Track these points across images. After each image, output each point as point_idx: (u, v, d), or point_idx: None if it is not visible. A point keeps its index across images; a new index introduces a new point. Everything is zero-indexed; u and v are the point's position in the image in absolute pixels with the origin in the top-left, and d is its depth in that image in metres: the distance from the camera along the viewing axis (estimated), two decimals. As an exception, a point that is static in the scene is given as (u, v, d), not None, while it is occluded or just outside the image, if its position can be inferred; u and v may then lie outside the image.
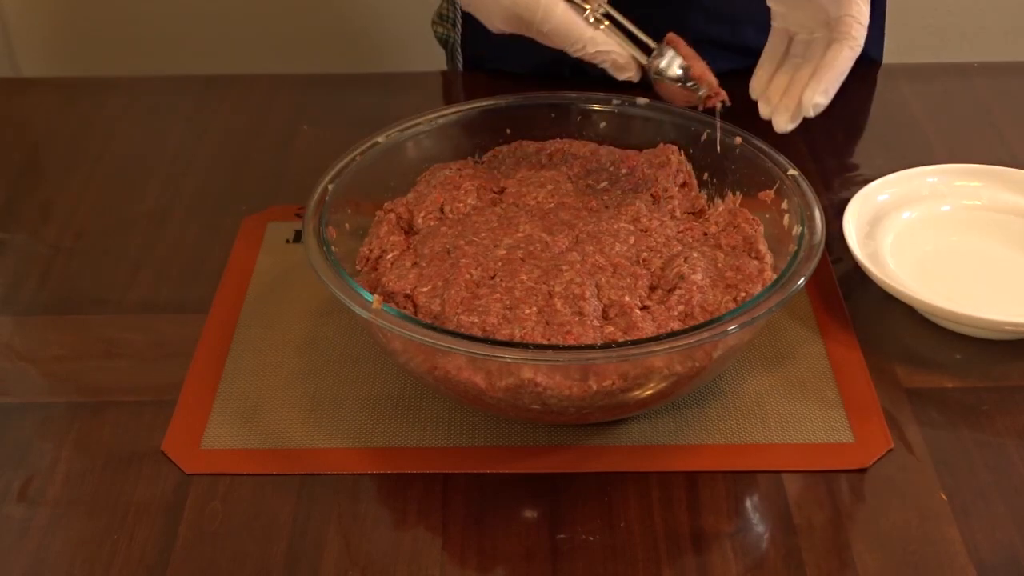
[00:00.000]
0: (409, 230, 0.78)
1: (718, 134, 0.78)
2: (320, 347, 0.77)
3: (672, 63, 0.74)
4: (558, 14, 0.73)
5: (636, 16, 0.76)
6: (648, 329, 0.67)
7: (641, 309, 0.69)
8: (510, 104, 0.83)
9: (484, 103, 0.83)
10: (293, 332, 0.78)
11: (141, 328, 0.80)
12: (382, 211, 0.79)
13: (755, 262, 0.73)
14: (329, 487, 0.68)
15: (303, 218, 0.72)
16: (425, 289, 0.70)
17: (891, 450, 0.69)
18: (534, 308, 0.68)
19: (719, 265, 0.72)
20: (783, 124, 0.78)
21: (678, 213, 0.79)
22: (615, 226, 0.75)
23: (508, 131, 0.84)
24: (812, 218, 0.72)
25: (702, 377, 0.68)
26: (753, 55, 0.82)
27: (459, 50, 1.11)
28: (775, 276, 0.70)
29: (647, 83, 0.76)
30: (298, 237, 0.87)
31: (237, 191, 0.93)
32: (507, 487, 0.68)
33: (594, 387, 0.64)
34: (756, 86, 0.81)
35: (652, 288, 0.71)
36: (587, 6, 0.73)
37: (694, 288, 0.70)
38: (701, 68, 0.75)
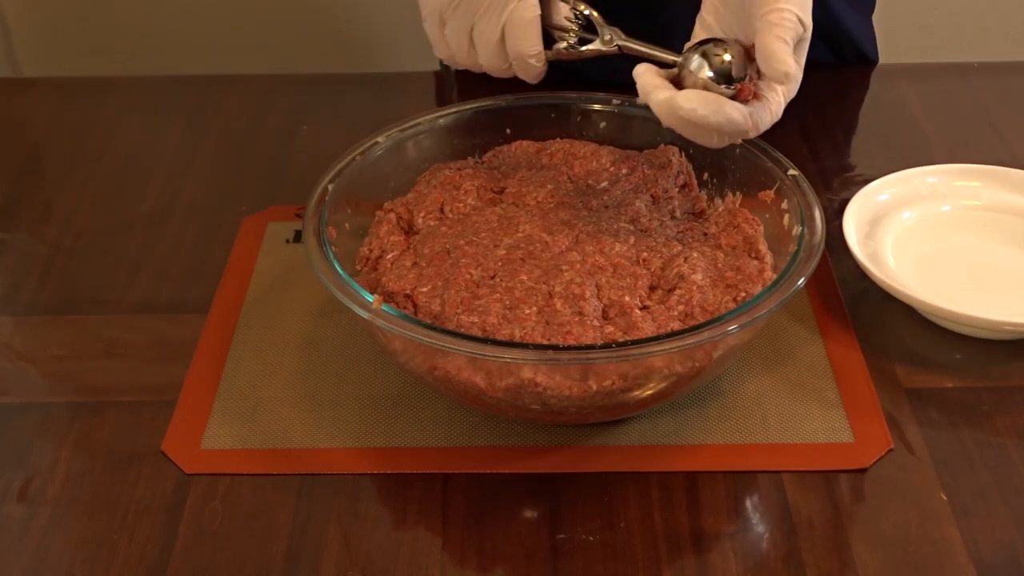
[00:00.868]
0: (409, 230, 0.78)
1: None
2: (320, 347, 0.77)
3: (701, 66, 0.72)
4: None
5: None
6: (648, 329, 0.67)
7: (641, 309, 0.69)
8: (510, 104, 0.83)
9: (484, 103, 0.83)
10: (293, 332, 0.78)
11: (141, 328, 0.80)
12: (382, 211, 0.79)
13: (755, 262, 0.73)
14: (329, 487, 0.68)
15: (303, 218, 0.72)
16: (425, 289, 0.70)
17: (891, 450, 0.69)
18: (534, 308, 0.68)
19: (719, 265, 0.72)
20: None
21: (678, 213, 0.79)
22: (615, 226, 0.75)
23: (508, 131, 0.84)
24: (812, 218, 0.72)
25: (702, 377, 0.68)
26: None
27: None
28: (775, 276, 0.70)
29: None
30: (298, 237, 0.87)
31: (237, 191, 0.93)
32: (507, 487, 0.68)
33: (594, 387, 0.64)
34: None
35: (652, 288, 0.71)
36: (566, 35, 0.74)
37: (694, 288, 0.70)
38: (738, 52, 0.70)
